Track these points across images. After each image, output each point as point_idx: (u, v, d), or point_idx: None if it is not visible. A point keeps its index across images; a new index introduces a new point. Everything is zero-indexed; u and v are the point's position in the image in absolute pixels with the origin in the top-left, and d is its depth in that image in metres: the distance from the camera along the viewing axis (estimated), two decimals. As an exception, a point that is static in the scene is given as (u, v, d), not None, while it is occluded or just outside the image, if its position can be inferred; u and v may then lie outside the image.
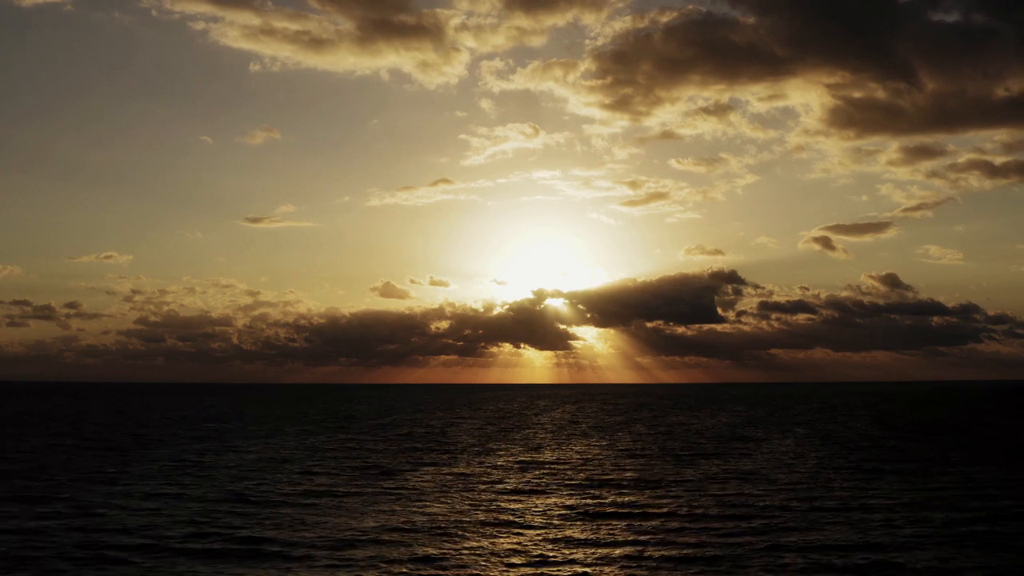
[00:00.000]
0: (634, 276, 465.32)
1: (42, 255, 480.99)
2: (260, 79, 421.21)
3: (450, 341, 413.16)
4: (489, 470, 44.89)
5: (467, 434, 73.73)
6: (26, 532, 27.06)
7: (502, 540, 25.81)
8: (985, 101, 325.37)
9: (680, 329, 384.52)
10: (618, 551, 24.18)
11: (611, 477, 41.35)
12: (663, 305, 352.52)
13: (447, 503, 32.98)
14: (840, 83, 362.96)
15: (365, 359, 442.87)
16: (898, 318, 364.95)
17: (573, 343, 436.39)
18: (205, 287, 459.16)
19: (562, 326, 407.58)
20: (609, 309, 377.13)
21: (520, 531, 27.28)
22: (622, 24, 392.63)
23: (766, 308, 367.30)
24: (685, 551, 24.01)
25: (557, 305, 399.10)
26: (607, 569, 22.25)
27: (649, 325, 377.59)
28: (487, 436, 71.16)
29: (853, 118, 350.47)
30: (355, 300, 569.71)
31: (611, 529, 27.48)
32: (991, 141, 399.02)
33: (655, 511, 30.64)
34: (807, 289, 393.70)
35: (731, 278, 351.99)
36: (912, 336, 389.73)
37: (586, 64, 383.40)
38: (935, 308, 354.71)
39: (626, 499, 33.71)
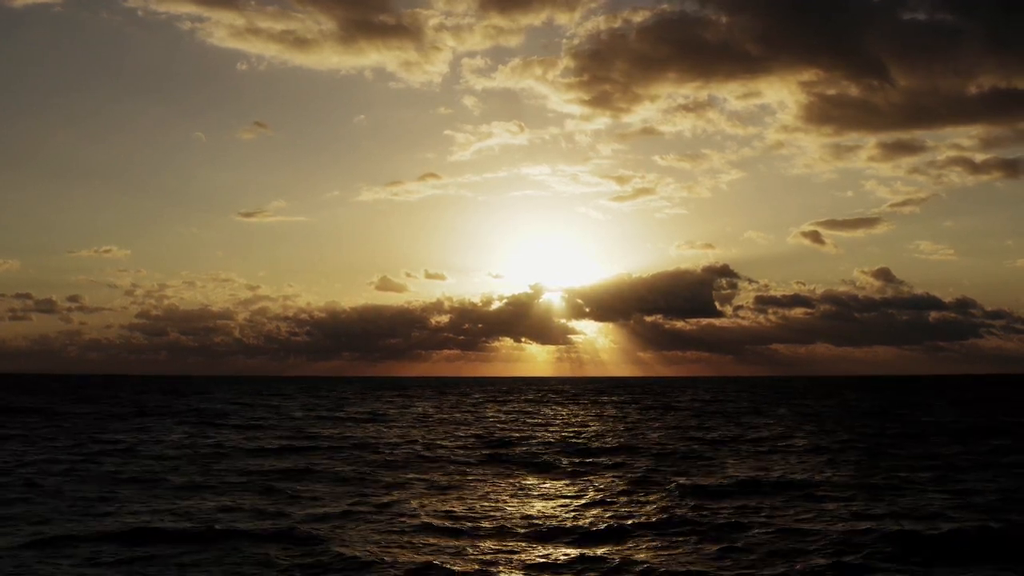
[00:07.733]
0: (628, 271, 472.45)
1: (40, 250, 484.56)
2: (248, 77, 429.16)
3: (451, 335, 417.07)
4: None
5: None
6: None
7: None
8: (959, 98, 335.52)
9: (679, 324, 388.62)
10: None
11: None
12: (660, 299, 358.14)
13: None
14: (813, 80, 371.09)
15: (367, 353, 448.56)
16: (895, 313, 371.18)
17: (573, 338, 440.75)
18: (204, 281, 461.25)
19: (561, 320, 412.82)
20: (607, 303, 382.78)
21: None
22: (595, 24, 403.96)
23: (762, 302, 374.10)
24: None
25: (555, 299, 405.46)
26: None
27: (648, 319, 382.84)
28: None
29: (830, 115, 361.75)
30: (353, 294, 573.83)
31: None
32: (968, 137, 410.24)
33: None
34: (803, 284, 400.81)
35: (724, 272, 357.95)
36: (911, 331, 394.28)
37: (564, 62, 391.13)
38: (931, 303, 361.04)
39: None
